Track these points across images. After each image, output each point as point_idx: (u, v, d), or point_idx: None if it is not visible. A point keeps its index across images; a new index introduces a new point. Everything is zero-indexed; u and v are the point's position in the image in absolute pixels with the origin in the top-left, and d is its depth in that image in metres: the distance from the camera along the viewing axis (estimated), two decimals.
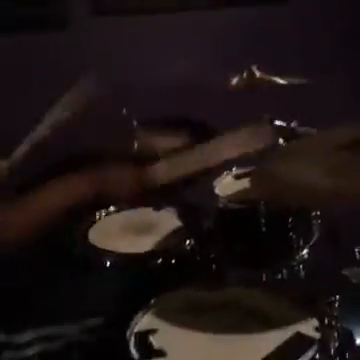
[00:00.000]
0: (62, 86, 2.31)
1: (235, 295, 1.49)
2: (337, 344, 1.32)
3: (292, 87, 2.05)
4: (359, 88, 2.55)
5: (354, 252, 1.81)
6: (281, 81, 2.03)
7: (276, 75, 2.03)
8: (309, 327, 1.33)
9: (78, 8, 2.52)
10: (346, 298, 1.42)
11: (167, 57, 2.42)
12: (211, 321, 1.41)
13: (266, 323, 1.37)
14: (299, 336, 1.30)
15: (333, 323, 1.34)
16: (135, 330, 1.40)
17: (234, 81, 2.04)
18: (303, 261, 1.79)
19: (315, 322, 1.35)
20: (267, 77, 2.03)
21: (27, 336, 1.48)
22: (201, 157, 1.54)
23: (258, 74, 2.01)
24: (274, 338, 1.31)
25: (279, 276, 1.74)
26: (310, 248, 1.82)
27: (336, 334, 1.33)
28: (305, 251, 1.81)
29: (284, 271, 1.75)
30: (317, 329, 1.32)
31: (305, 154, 1.56)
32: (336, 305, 1.38)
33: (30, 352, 1.46)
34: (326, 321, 1.34)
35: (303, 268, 1.78)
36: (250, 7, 2.51)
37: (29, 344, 1.47)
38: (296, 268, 1.77)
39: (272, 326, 1.35)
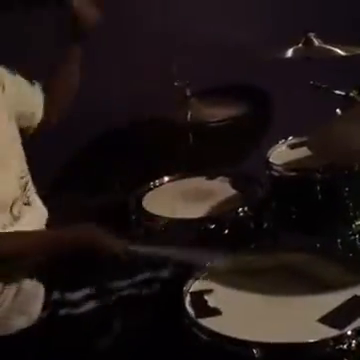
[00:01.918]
0: None
1: (289, 259, 1.48)
2: None
3: (351, 58, 1.99)
4: None
5: None
6: (340, 51, 1.98)
7: (335, 45, 1.99)
8: None
9: None
10: None
11: (223, 24, 2.36)
12: (265, 283, 1.41)
13: (321, 286, 1.36)
14: (357, 299, 1.29)
15: None
16: (190, 290, 1.41)
17: (291, 50, 2.01)
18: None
19: None
20: (326, 46, 1.98)
21: (80, 294, 1.52)
22: None
23: (317, 43, 1.98)
24: (330, 300, 1.30)
25: (334, 244, 1.73)
26: None
27: None
28: None
29: (339, 240, 1.73)
30: None
31: None
32: None
33: (84, 308, 1.49)
34: None
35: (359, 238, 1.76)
36: None
37: (83, 301, 1.51)
38: (352, 237, 1.75)
39: (327, 289, 1.34)
